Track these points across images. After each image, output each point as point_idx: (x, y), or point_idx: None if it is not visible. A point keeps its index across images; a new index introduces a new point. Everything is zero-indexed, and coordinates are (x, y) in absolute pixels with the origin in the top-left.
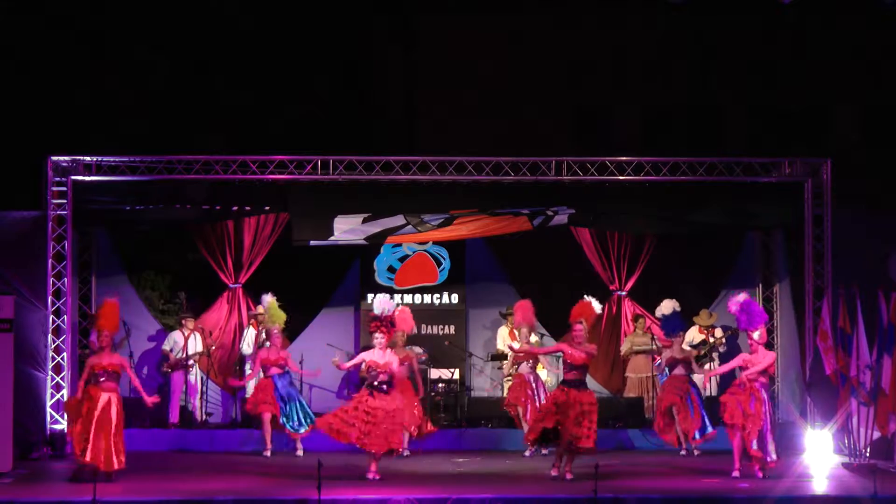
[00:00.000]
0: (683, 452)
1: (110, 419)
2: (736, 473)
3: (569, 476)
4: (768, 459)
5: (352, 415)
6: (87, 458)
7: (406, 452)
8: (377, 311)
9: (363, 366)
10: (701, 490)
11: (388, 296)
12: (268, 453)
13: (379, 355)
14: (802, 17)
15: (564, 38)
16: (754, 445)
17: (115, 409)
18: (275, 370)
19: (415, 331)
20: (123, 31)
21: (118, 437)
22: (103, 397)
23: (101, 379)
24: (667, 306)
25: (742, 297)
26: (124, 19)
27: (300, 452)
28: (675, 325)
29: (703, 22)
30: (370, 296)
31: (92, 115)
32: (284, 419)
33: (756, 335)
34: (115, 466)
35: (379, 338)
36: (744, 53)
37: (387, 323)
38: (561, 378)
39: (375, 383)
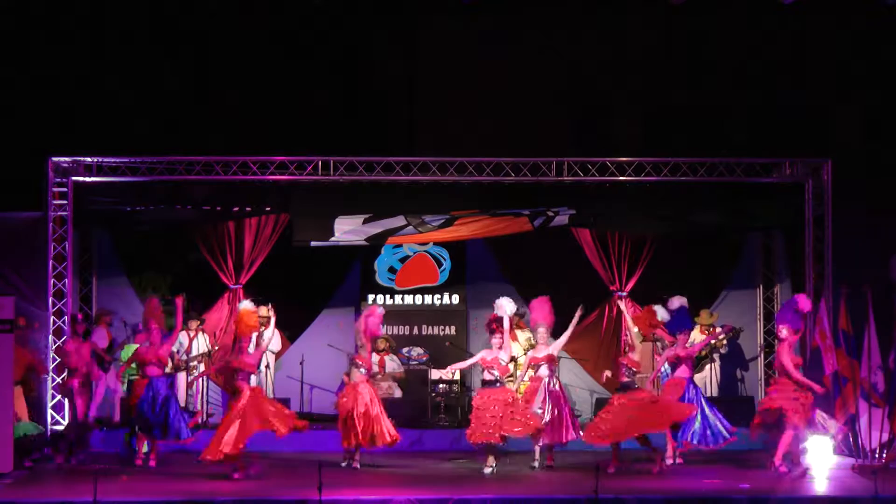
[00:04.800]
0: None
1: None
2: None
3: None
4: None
5: (490, 414)
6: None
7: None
8: (508, 312)
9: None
10: (702, 491)
11: (508, 298)
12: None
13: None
14: (802, 16)
15: (565, 38)
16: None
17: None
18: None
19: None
20: (124, 30)
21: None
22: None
23: (239, 378)
24: (675, 302)
25: None
26: (125, 19)
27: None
28: (682, 322)
29: (704, 22)
30: (370, 297)
31: (92, 115)
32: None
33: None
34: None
35: (499, 338)
36: (744, 53)
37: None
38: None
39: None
